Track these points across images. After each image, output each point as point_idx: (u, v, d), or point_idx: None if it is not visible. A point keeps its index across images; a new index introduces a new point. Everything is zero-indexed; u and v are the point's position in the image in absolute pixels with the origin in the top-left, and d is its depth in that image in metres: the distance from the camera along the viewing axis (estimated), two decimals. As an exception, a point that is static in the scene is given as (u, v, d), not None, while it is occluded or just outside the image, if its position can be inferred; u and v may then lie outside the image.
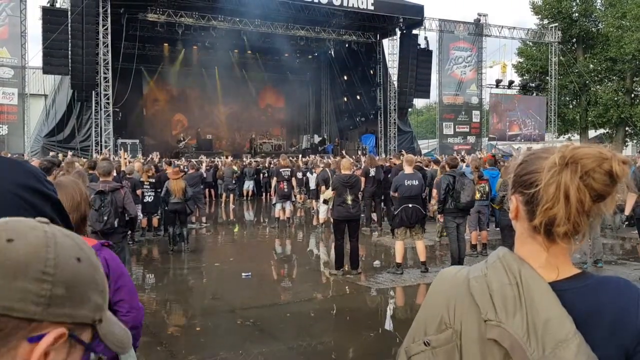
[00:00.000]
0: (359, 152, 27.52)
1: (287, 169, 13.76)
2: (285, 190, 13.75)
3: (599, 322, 1.09)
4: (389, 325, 6.84)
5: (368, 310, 7.47)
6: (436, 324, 1.20)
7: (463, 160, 14.86)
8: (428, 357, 1.19)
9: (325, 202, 12.83)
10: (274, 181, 14.21)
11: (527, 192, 1.16)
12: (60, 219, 1.02)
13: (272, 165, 19.49)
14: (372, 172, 12.94)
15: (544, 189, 1.12)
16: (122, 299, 2.40)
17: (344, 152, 27.48)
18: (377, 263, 9.57)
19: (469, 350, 1.14)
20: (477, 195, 9.22)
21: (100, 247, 2.41)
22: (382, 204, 13.77)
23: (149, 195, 11.86)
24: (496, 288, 1.12)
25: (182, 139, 29.65)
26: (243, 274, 8.76)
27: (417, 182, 8.82)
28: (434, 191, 10.70)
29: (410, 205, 8.66)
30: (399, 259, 8.77)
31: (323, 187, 12.77)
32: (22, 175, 0.99)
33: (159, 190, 11.77)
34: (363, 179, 11.69)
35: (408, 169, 9.03)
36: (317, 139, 33.25)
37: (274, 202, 14.42)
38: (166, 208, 11.01)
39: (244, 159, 24.19)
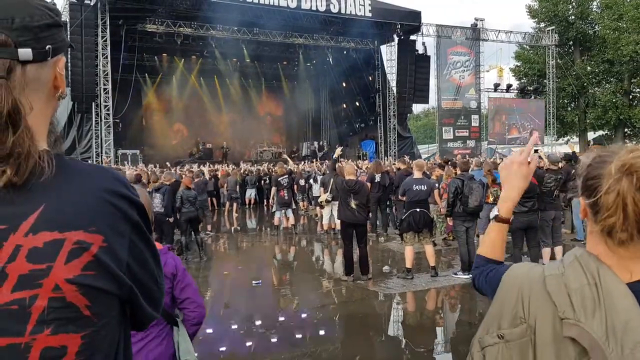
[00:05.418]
0: (358, 159, 27.55)
1: (284, 177, 13.76)
2: (286, 197, 13.75)
3: None
4: (403, 330, 6.81)
5: (381, 315, 7.46)
6: (510, 318, 1.21)
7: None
8: (501, 349, 1.21)
9: (322, 205, 12.89)
10: (273, 190, 14.27)
11: (591, 199, 1.18)
12: (144, 223, 1.03)
13: (272, 173, 19.54)
14: (378, 177, 12.94)
15: (604, 197, 1.14)
16: (189, 297, 2.55)
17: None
18: (386, 268, 9.54)
19: (543, 346, 1.16)
20: (491, 199, 9.22)
21: (167, 250, 2.58)
22: (387, 209, 13.76)
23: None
24: (574, 287, 1.14)
25: (193, 152, 29.98)
26: (253, 281, 8.75)
27: (425, 187, 8.84)
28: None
29: (417, 210, 8.67)
30: (408, 264, 8.76)
31: (322, 190, 12.80)
32: (110, 181, 1.00)
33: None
34: (369, 185, 11.68)
35: (417, 174, 9.04)
36: (317, 145, 33.28)
37: (273, 210, 14.46)
38: (178, 217, 11.02)
39: (241, 167, 24.18)
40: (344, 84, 33.90)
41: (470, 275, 8.06)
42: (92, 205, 0.95)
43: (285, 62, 33.80)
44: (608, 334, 1.07)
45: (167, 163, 21.72)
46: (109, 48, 23.12)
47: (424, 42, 30.19)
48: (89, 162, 13.19)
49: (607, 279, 1.13)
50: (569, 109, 36.98)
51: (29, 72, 0.96)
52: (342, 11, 25.47)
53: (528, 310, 1.19)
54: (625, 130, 35.16)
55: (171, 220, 10.87)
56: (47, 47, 0.98)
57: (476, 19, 32.41)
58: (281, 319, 7.07)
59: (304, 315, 7.24)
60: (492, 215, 1.63)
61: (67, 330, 0.90)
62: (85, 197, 0.95)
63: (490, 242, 1.62)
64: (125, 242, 0.98)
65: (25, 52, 0.95)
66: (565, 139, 37.76)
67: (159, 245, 2.54)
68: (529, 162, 1.59)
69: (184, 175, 16.68)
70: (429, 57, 30.42)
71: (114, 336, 0.99)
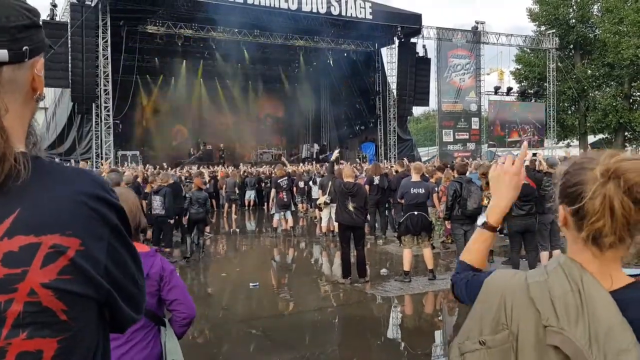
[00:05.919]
0: (357, 160, 27.53)
1: (284, 179, 13.76)
2: (285, 199, 13.75)
3: None
4: (400, 333, 6.81)
5: (378, 318, 7.45)
6: (492, 324, 1.21)
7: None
8: (483, 356, 1.21)
9: (321, 208, 12.89)
10: (272, 192, 14.29)
11: (574, 206, 1.17)
12: (123, 226, 1.02)
13: (272, 175, 19.55)
14: (376, 180, 12.92)
15: (589, 202, 1.13)
16: (177, 298, 2.55)
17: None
18: (384, 271, 9.52)
19: (525, 353, 1.16)
20: (485, 202, 9.20)
21: (154, 253, 2.59)
22: (386, 212, 13.74)
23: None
24: (558, 295, 1.14)
25: (192, 152, 29.97)
26: (251, 284, 8.73)
27: (423, 190, 8.82)
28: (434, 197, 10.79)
29: (415, 213, 8.66)
30: (406, 267, 8.74)
31: (320, 192, 12.78)
32: (87, 183, 0.99)
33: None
34: (367, 187, 11.67)
35: (415, 177, 9.03)
36: (317, 147, 33.26)
37: (272, 212, 14.48)
38: (184, 217, 11.13)
39: (240, 168, 24.17)
40: (344, 86, 33.91)
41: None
42: (69, 208, 0.93)
43: (285, 64, 33.82)
44: (591, 341, 1.07)
45: (164, 164, 21.69)
46: (109, 49, 23.15)
47: (425, 44, 30.29)
48: (90, 163, 13.29)
49: (589, 286, 1.13)
50: (569, 112, 37.00)
51: (5, 74, 0.95)
52: (343, 13, 25.52)
53: (510, 316, 1.18)
54: (626, 134, 35.16)
55: (172, 221, 10.89)
56: (24, 48, 0.97)
57: (477, 22, 32.45)
58: (278, 321, 7.06)
59: (301, 318, 7.23)
60: (479, 222, 1.59)
61: (43, 335, 0.90)
62: (62, 201, 0.93)
63: (476, 250, 1.57)
64: (103, 245, 0.96)
65: (0, 54, 0.94)
66: (566, 142, 37.77)
67: (145, 248, 2.56)
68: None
69: (183, 177, 16.72)
70: (429, 60, 30.45)
71: (92, 340, 0.98)
